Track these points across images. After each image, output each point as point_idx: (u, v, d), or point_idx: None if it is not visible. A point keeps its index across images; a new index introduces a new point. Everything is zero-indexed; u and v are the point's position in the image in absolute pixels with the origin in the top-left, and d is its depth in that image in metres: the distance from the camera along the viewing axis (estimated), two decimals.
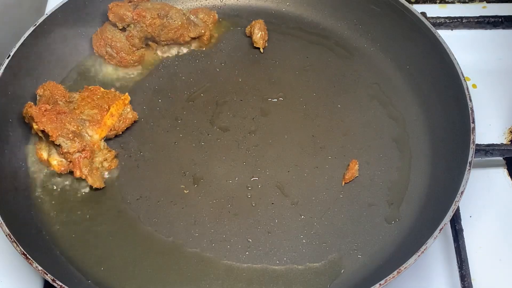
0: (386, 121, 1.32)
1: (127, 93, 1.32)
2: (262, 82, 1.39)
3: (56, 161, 1.22)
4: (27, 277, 1.20)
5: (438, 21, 1.52)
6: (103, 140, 1.26)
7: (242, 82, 1.39)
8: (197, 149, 1.29)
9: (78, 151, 1.20)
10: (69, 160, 1.21)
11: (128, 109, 1.30)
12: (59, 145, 1.20)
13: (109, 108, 1.26)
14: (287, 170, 1.26)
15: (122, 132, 1.30)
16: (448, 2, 1.61)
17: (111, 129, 1.27)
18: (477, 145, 1.25)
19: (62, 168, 1.22)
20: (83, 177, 1.21)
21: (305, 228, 1.19)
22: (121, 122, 1.28)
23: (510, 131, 1.38)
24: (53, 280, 1.04)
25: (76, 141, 1.20)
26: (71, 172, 1.23)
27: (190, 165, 1.27)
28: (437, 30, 1.32)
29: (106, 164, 1.25)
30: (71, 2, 1.37)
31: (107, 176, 1.25)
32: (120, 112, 1.28)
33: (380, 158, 1.27)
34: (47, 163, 1.24)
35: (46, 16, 1.34)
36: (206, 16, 1.44)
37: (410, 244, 1.12)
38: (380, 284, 1.04)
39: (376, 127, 1.31)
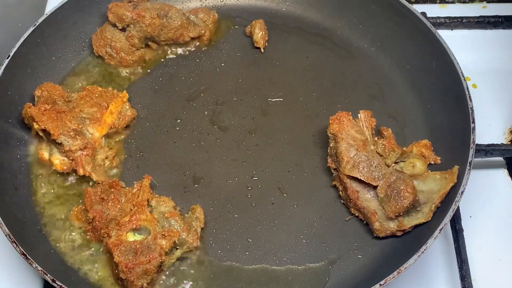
0: (386, 121, 1.32)
1: (125, 91, 1.32)
2: (262, 82, 1.39)
3: (58, 160, 1.22)
4: (27, 277, 1.20)
5: (438, 21, 1.52)
6: (103, 137, 1.26)
7: (242, 82, 1.39)
8: (197, 149, 1.29)
9: (80, 149, 1.20)
10: (71, 158, 1.21)
11: (127, 107, 1.30)
12: (60, 144, 1.20)
13: (108, 106, 1.26)
14: (287, 170, 1.26)
15: (122, 130, 1.30)
16: (448, 2, 1.61)
17: (111, 127, 1.27)
18: (477, 145, 1.24)
19: (65, 167, 1.22)
20: (87, 174, 1.21)
21: (305, 228, 1.19)
22: (121, 119, 1.29)
23: (510, 131, 1.38)
24: (53, 280, 1.04)
25: (78, 138, 1.20)
26: (73, 171, 1.23)
27: (190, 165, 1.27)
28: (437, 30, 1.32)
29: (107, 162, 1.25)
30: (71, 2, 1.37)
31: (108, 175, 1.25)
32: (119, 110, 1.28)
33: None
34: (49, 163, 1.24)
35: (46, 16, 1.35)
36: (206, 16, 1.44)
37: (410, 244, 1.12)
38: (380, 284, 1.04)
39: (376, 127, 1.31)
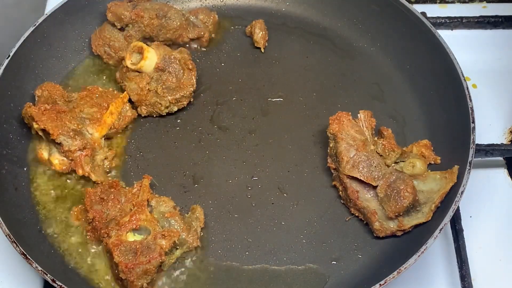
0: (386, 121, 1.32)
1: (125, 92, 1.32)
2: (262, 82, 1.39)
3: (57, 160, 1.22)
4: (27, 277, 1.20)
5: (438, 21, 1.52)
6: (103, 138, 1.26)
7: (242, 82, 1.39)
8: (197, 149, 1.29)
9: (79, 149, 1.20)
10: (70, 158, 1.21)
11: (127, 107, 1.30)
12: (60, 144, 1.20)
13: (108, 106, 1.26)
14: (287, 170, 1.26)
15: (122, 130, 1.30)
16: (448, 2, 1.61)
17: (111, 127, 1.27)
18: (477, 145, 1.24)
19: (64, 167, 1.22)
20: (86, 174, 1.21)
21: (305, 228, 1.19)
22: (121, 120, 1.29)
23: (510, 131, 1.38)
24: (53, 280, 1.04)
25: (77, 139, 1.20)
26: (72, 171, 1.23)
27: (190, 165, 1.27)
28: (437, 30, 1.32)
29: (106, 163, 1.25)
30: (71, 2, 1.37)
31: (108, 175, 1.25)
32: (119, 110, 1.28)
33: None
34: (48, 163, 1.24)
35: (46, 16, 1.35)
36: (206, 17, 1.44)
37: (410, 244, 1.12)
38: (380, 284, 1.04)
39: (376, 127, 1.31)
